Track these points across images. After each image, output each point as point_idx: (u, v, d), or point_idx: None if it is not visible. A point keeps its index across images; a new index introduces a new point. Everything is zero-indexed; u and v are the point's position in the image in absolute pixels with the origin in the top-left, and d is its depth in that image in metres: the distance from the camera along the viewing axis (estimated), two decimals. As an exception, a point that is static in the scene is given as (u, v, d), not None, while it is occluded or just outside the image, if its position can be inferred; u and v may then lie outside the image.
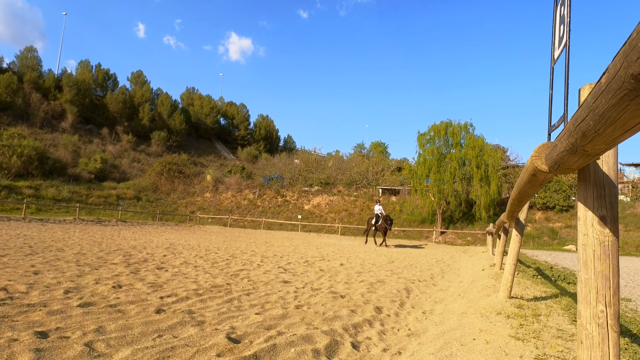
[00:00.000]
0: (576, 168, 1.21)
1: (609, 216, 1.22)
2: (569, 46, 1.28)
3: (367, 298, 5.00)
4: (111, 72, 46.97)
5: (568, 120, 1.24)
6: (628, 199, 26.63)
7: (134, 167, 37.99)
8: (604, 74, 0.73)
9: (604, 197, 1.22)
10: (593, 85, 1.25)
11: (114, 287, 4.56)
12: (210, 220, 31.60)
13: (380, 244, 18.34)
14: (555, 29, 1.46)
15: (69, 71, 43.51)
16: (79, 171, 31.55)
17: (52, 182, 27.93)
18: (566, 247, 21.24)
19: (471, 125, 27.39)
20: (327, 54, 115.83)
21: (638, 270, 10.18)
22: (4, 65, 41.75)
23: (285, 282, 5.89)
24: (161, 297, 4.22)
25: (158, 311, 3.63)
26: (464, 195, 26.96)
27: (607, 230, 1.21)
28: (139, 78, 49.29)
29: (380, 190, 34.91)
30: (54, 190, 26.89)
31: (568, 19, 1.28)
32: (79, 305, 3.59)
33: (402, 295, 5.41)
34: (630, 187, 28.64)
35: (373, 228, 18.70)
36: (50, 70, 43.17)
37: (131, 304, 3.83)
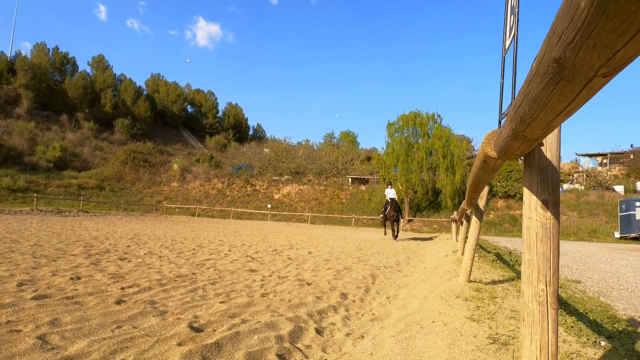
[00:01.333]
0: (520, 154, 1.27)
1: (551, 200, 1.28)
2: (517, 37, 1.33)
3: (333, 285, 5.07)
4: (70, 55, 44.69)
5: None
6: (582, 188, 28.09)
7: (97, 155, 36.54)
8: (535, 59, 0.76)
9: (547, 181, 1.28)
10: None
11: (72, 278, 4.40)
12: (177, 210, 30.96)
13: (396, 237, 15.17)
14: (507, 19, 1.51)
15: (23, 54, 41.04)
16: (37, 160, 30.03)
17: (7, 171, 26.49)
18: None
19: (439, 116, 28.00)
20: (297, 42, 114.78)
21: (589, 254, 10.79)
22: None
23: (252, 270, 5.87)
24: (122, 288, 4.11)
25: (118, 302, 3.54)
26: (430, 184, 27.64)
27: (548, 214, 1.28)
28: (100, 63, 47.13)
29: (350, 179, 35.23)
30: (9, 179, 25.52)
31: (517, 9, 1.33)
32: (32, 298, 3.45)
33: (367, 282, 5.51)
34: (585, 176, 30.21)
35: (383, 217, 15.72)
36: (2, 52, 40.58)
37: (90, 295, 3.72)
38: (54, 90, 41.26)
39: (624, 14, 0.40)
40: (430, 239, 18.41)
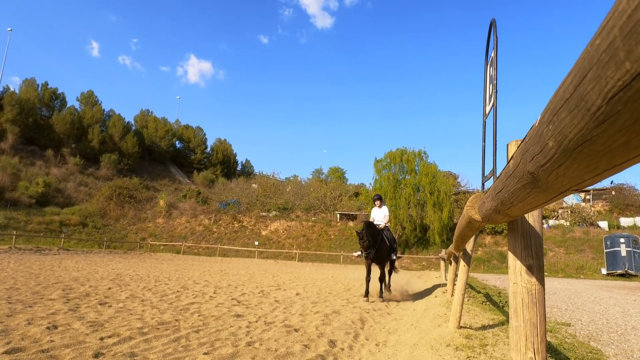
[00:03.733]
0: (504, 222, 1.29)
1: (535, 265, 1.30)
2: (496, 106, 1.39)
3: (321, 331, 4.94)
4: (59, 91, 44.99)
5: (496, 176, 1.31)
6: (567, 224, 28.48)
7: (81, 191, 36.00)
8: (511, 158, 0.80)
9: (530, 247, 1.31)
10: (519, 143, 1.35)
11: (48, 327, 4.21)
12: (162, 247, 30.30)
13: (383, 293, 8.57)
14: (486, 86, 1.58)
15: (11, 89, 41.12)
16: (18, 195, 29.42)
17: (-14, 208, 25.81)
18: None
19: (425, 153, 28.53)
20: (287, 79, 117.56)
21: (578, 293, 10.79)
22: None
23: (238, 315, 5.70)
24: (101, 338, 3.94)
25: (96, 355, 3.38)
26: (418, 220, 27.75)
27: (534, 279, 1.29)
28: (89, 98, 47.40)
29: (338, 215, 35.17)
30: (-12, 216, 24.83)
31: (495, 81, 1.39)
32: (5, 352, 3.28)
33: (356, 327, 5.39)
34: (569, 212, 30.69)
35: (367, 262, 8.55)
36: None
37: (66, 347, 3.55)
38: (40, 125, 41.12)
39: (588, 161, 0.43)
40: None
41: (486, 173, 1.56)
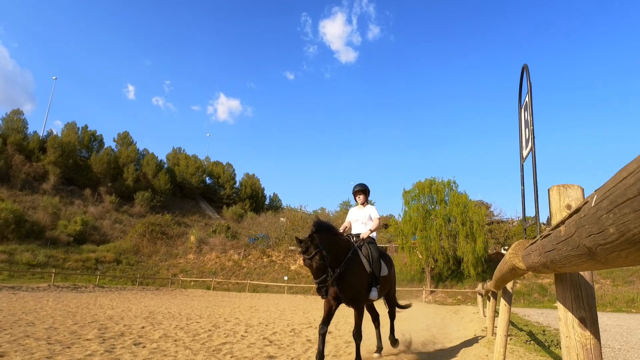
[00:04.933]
0: (552, 273, 1.24)
1: (589, 318, 1.22)
2: (534, 151, 1.37)
3: (356, 374, 4.76)
4: (98, 133, 47.58)
5: (539, 222, 1.28)
6: (611, 253, 26.92)
7: (116, 228, 37.15)
8: (561, 223, 0.78)
9: (581, 298, 1.24)
10: (559, 188, 1.31)
11: (85, 370, 4.25)
12: (193, 283, 30.53)
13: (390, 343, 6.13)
14: (521, 129, 1.56)
15: (54, 133, 43.85)
16: (58, 234, 30.65)
17: (28, 247, 26.96)
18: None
19: (454, 183, 28.05)
20: (312, 113, 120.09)
21: (631, 330, 10.04)
22: (-11, 127, 41.89)
23: (271, 357, 5.60)
24: (136, 382, 3.94)
25: (132, 400, 3.37)
26: (451, 252, 26.92)
27: (588, 333, 1.21)
28: (125, 139, 49.76)
29: (367, 248, 34.60)
30: (30, 254, 25.89)
31: (532, 126, 1.38)
32: (45, 397, 3.32)
33: (392, 369, 5.17)
34: (612, 240, 29.10)
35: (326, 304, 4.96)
36: (35, 132, 43.38)
37: (103, 392, 3.56)
38: (80, 166, 43.30)
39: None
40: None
41: (527, 218, 1.52)
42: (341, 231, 5.35)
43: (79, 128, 46.02)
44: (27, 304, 11.68)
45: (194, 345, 6.17)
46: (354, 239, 5.29)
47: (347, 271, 4.62)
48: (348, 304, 4.91)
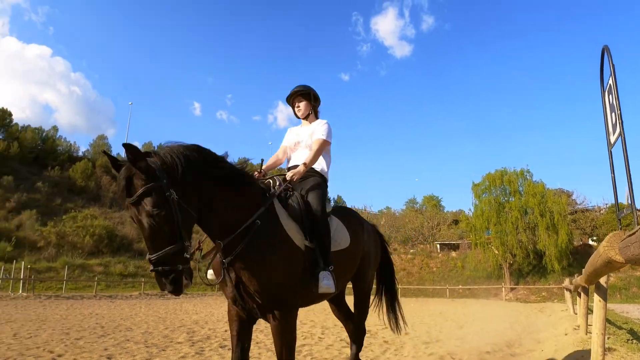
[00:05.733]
0: (657, 265, 1.14)
1: None
2: (624, 136, 1.27)
3: (438, 376, 4.66)
4: (171, 150, 51.06)
5: (636, 210, 1.20)
6: None
7: (195, 238, 39.62)
8: None
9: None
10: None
11: (180, 371, 4.61)
12: (267, 287, 31.63)
13: None
14: (606, 114, 1.45)
15: (134, 154, 47.84)
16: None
17: (120, 259, 29.71)
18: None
19: (528, 172, 26.33)
20: (370, 108, 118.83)
21: None
22: (80, 154, 46.93)
23: (349, 358, 5.66)
24: (226, 382, 4.20)
25: (224, 399, 3.60)
26: (530, 246, 25.21)
27: None
28: (196, 154, 53.03)
29: (438, 245, 33.58)
30: (122, 266, 28.50)
31: (619, 110, 1.27)
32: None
33: (477, 371, 4.99)
34: None
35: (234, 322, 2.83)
36: (118, 154, 47.62)
37: (198, 391, 3.84)
38: (159, 182, 46.88)
39: None
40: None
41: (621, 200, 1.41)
42: (270, 164, 3.46)
43: (154, 147, 49.89)
44: (123, 311, 12.88)
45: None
46: (277, 182, 3.02)
47: (251, 250, 2.42)
48: (262, 317, 2.62)
